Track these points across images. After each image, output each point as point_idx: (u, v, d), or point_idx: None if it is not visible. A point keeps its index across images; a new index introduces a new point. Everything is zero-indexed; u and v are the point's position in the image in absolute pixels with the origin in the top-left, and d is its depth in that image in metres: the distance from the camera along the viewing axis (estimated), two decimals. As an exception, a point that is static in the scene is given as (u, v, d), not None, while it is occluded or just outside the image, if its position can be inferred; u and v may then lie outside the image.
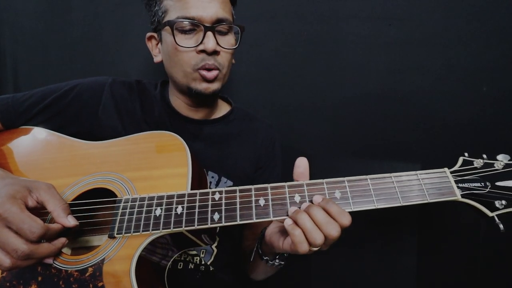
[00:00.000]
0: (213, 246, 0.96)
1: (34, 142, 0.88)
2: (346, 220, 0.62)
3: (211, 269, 0.94)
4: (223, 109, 1.09)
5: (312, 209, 0.63)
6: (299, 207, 0.65)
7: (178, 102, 1.00)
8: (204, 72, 0.88)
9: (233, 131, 1.04)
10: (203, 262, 0.93)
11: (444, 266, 1.26)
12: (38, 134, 0.89)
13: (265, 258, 0.82)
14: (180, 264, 0.91)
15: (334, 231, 0.61)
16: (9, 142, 0.88)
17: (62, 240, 0.67)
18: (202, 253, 0.94)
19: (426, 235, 1.28)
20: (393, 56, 1.25)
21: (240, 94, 1.35)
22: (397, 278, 1.30)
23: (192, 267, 0.92)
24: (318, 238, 0.61)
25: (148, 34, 0.98)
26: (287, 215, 0.65)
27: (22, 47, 1.45)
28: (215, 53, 0.88)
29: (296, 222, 0.63)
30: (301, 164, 0.70)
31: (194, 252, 0.93)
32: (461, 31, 1.20)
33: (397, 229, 1.30)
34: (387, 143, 1.27)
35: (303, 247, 0.63)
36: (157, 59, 0.98)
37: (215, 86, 0.91)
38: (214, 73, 0.88)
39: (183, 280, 0.90)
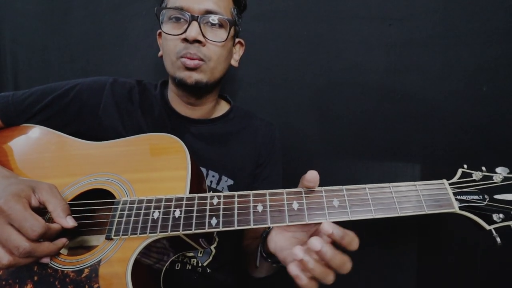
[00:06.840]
0: (212, 247, 0.96)
1: (34, 140, 0.88)
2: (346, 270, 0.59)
3: (208, 271, 0.94)
4: (222, 108, 1.09)
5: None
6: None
7: (176, 100, 1.00)
8: (184, 59, 0.88)
9: (232, 130, 1.04)
10: (200, 264, 0.93)
11: (444, 275, 1.24)
12: (39, 133, 0.89)
13: (269, 260, 0.78)
14: (178, 265, 0.91)
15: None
16: (10, 140, 0.89)
17: (63, 240, 0.68)
18: (200, 253, 0.94)
19: (426, 245, 1.26)
20: (393, 56, 1.25)
21: (240, 94, 1.35)
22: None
23: (190, 268, 0.92)
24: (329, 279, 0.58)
25: (159, 30, 0.99)
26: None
27: (22, 47, 1.45)
28: (198, 42, 0.88)
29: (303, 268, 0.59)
30: (312, 180, 0.66)
31: (191, 254, 0.93)
32: (461, 31, 1.20)
33: (395, 239, 1.28)
34: (387, 143, 1.26)
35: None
36: (160, 53, 0.99)
37: (198, 76, 0.90)
38: (195, 62, 0.88)
39: (180, 280, 0.90)
